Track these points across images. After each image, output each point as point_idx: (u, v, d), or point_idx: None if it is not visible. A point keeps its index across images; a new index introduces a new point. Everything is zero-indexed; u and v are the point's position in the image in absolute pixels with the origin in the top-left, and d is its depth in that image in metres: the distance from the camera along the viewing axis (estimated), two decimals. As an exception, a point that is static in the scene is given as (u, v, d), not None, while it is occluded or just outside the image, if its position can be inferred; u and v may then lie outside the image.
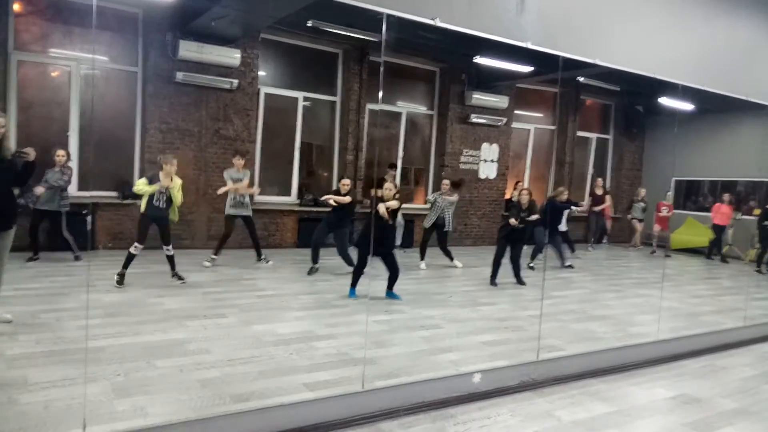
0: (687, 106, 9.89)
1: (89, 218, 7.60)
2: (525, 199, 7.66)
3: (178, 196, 6.27)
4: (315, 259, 7.52)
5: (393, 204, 6.26)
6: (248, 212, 7.76)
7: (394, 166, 10.73)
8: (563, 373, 4.39)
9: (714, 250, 11.79)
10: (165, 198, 6.20)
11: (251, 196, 7.94)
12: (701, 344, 5.50)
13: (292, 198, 10.07)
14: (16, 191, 5.02)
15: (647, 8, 5.40)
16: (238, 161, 7.74)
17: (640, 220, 12.52)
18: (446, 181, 8.83)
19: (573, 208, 9.70)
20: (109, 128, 8.48)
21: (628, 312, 6.65)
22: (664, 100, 10.43)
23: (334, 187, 7.79)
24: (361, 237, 6.49)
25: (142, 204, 6.19)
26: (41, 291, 5.71)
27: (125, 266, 6.05)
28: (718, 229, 11.55)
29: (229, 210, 7.68)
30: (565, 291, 7.64)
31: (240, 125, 9.06)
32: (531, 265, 8.98)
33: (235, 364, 4.05)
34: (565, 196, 9.38)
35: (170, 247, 6.33)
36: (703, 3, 5.85)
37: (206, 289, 6.29)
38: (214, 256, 7.57)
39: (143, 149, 8.47)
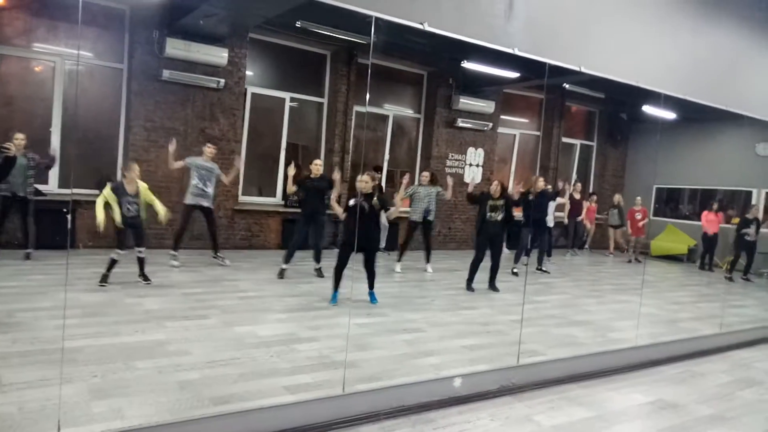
0: (670, 115, 10.03)
1: (69, 216, 7.48)
2: (494, 187, 7.52)
3: (154, 199, 6.27)
4: (288, 259, 7.23)
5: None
6: (209, 203, 7.39)
7: (379, 168, 10.72)
8: (543, 378, 4.43)
9: (706, 259, 11.51)
10: (135, 206, 6.14)
11: (217, 185, 7.59)
12: (678, 350, 5.59)
13: (277, 199, 10.03)
14: None
15: (633, 18, 5.49)
16: (209, 149, 7.37)
17: (615, 227, 12.63)
18: (425, 173, 8.84)
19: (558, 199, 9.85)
20: (92, 125, 8.38)
21: (607, 318, 6.72)
22: (648, 109, 10.57)
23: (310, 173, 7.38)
24: (344, 236, 6.45)
25: (115, 215, 6.04)
26: (18, 289, 5.61)
27: (108, 269, 6.03)
28: (709, 238, 11.27)
29: (188, 199, 7.24)
30: (546, 296, 7.71)
31: (226, 125, 9.01)
32: (515, 270, 9.02)
33: (215, 366, 4.02)
34: (541, 183, 9.34)
35: (143, 249, 6.25)
36: (688, 14, 5.95)
37: (187, 289, 6.23)
38: (174, 253, 7.26)
39: (127, 147, 8.37)
